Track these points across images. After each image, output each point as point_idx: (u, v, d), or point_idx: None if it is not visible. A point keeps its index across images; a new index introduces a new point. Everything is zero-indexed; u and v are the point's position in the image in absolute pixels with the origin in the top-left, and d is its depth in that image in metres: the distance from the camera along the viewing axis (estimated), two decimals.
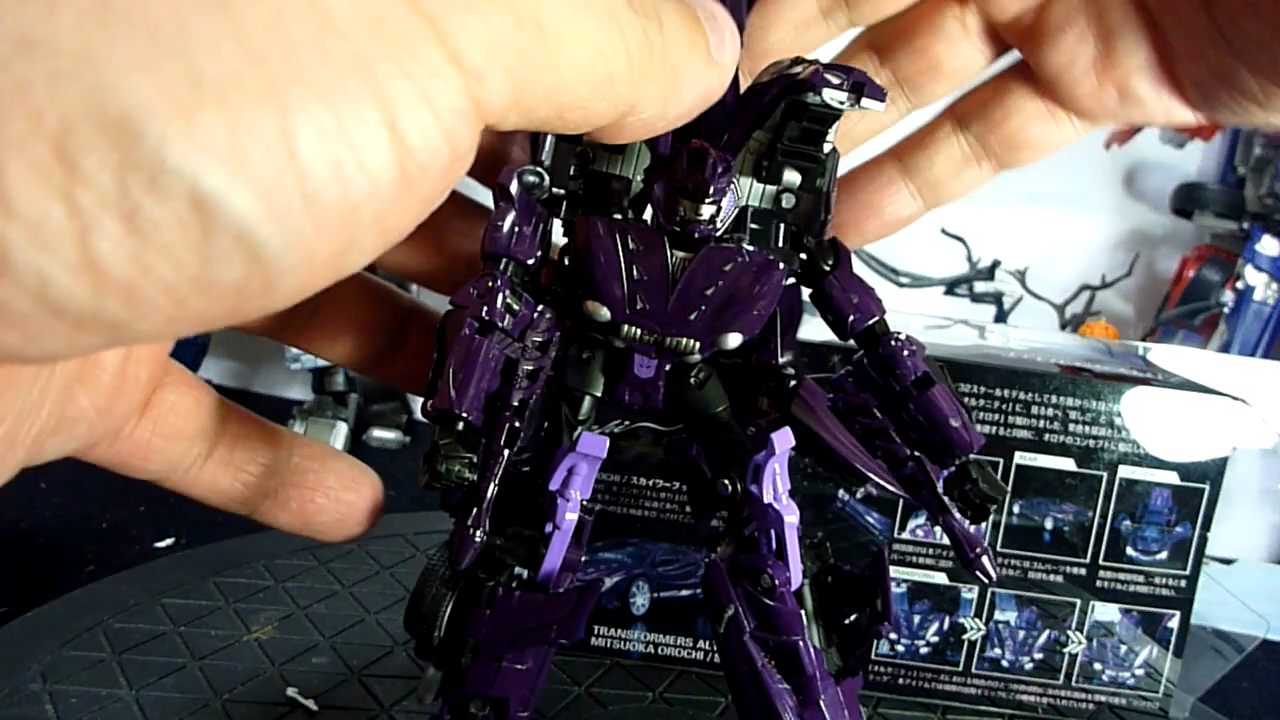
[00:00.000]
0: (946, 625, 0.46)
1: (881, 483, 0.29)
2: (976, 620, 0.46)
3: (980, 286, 0.78)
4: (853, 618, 0.30)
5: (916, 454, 0.29)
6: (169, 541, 0.58)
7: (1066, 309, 0.79)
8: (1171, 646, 0.46)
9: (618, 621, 0.46)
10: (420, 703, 0.29)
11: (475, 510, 0.25)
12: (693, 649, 0.47)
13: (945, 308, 0.75)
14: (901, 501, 0.46)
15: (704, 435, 0.30)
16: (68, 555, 0.56)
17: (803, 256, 0.29)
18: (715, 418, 0.30)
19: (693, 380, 0.29)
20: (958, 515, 0.29)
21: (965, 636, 0.47)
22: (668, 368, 0.29)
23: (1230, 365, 0.54)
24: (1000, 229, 0.79)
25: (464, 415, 0.24)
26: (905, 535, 0.46)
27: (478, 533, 0.25)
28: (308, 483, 0.30)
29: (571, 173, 0.28)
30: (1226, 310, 0.77)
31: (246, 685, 0.40)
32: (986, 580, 0.29)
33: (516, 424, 0.26)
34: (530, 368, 0.26)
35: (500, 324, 0.25)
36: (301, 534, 0.31)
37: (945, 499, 0.29)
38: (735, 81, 0.30)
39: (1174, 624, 0.46)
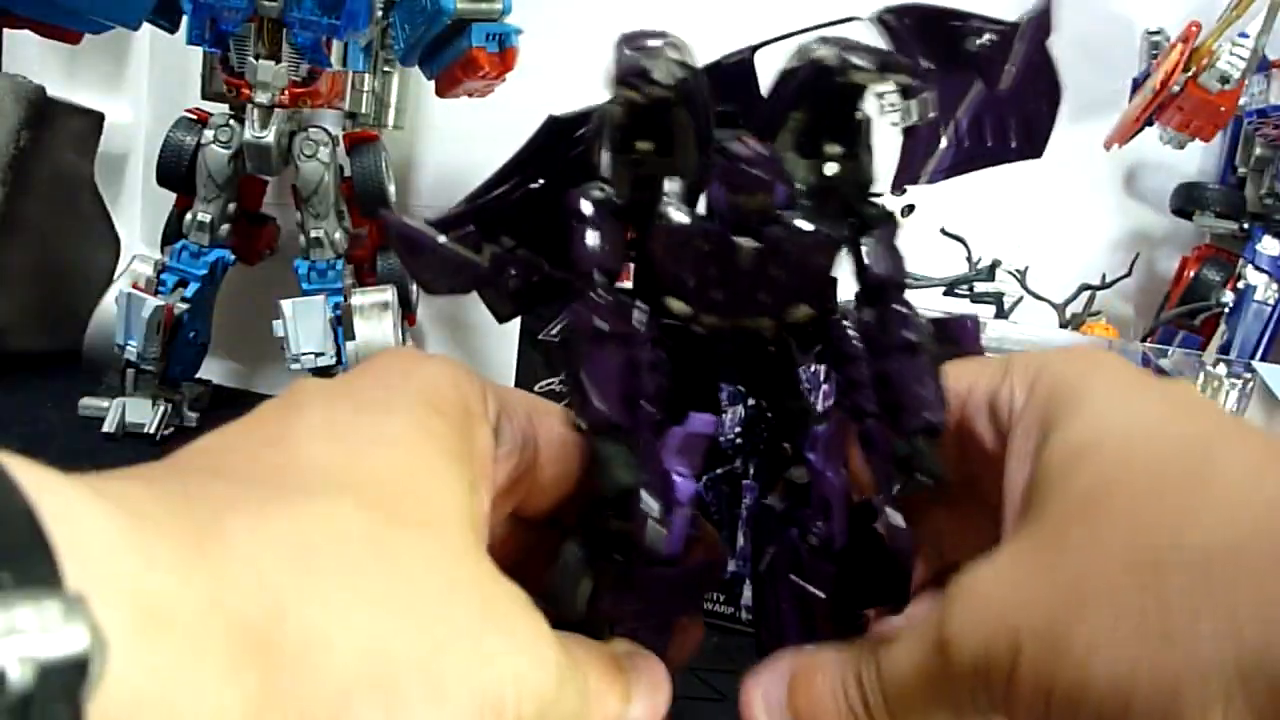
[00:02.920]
0: None
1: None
2: None
3: (980, 286, 0.78)
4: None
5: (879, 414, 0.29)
6: None
7: (1066, 309, 0.78)
8: None
9: None
10: None
11: (645, 497, 0.27)
12: None
13: (946, 308, 0.75)
14: None
15: (775, 403, 0.32)
16: None
17: (852, 221, 0.30)
18: (786, 384, 0.32)
19: (770, 349, 0.31)
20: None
21: None
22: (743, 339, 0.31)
23: None
24: (1000, 229, 0.79)
25: (618, 422, 0.26)
26: None
27: (650, 513, 0.27)
28: None
29: (630, 184, 0.30)
30: (1227, 310, 0.77)
31: None
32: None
33: (659, 416, 0.28)
34: (651, 359, 0.28)
35: (612, 330, 0.27)
36: None
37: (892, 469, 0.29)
38: (752, 70, 0.31)
39: None
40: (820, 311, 0.30)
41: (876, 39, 0.32)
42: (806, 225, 0.29)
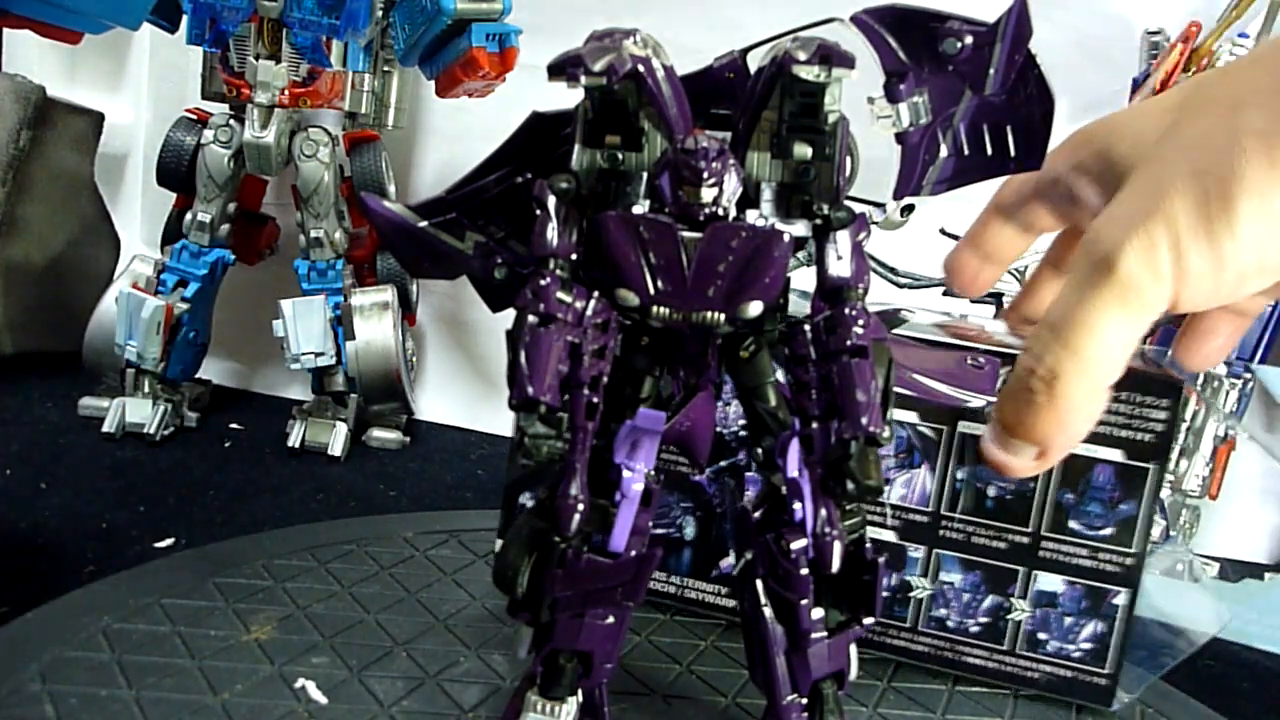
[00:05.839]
0: (895, 581, 0.47)
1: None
2: (923, 579, 0.47)
3: None
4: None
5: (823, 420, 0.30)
6: (169, 542, 0.59)
7: None
8: (1118, 624, 0.46)
9: None
10: (515, 655, 0.32)
11: (571, 480, 0.28)
12: (665, 581, 0.49)
13: (945, 308, 0.75)
14: None
15: (748, 404, 0.33)
16: (68, 555, 0.56)
17: (817, 223, 0.31)
18: (758, 389, 0.32)
19: (743, 354, 0.32)
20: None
21: (912, 594, 0.47)
22: (719, 342, 0.31)
23: None
24: None
25: (542, 399, 0.27)
26: None
27: (578, 501, 0.28)
28: None
29: (596, 176, 0.31)
30: None
31: (246, 685, 0.40)
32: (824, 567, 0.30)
33: (595, 400, 0.28)
34: (596, 346, 0.29)
35: (558, 314, 0.28)
36: None
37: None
38: (746, 68, 0.31)
39: (1119, 600, 0.46)
40: (772, 309, 0.30)
41: (855, 40, 0.32)
42: (753, 221, 0.29)
